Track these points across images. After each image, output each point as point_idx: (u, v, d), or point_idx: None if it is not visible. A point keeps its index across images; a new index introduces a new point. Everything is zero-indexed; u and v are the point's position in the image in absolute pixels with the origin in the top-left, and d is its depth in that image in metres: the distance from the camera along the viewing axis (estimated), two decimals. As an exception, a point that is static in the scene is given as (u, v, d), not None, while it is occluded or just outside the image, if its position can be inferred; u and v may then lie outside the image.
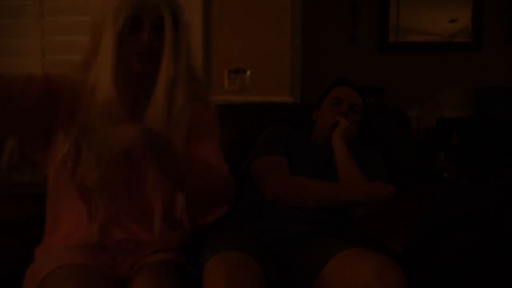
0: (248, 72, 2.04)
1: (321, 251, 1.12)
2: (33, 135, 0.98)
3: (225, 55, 2.06)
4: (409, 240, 1.08)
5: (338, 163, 1.35)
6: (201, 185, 0.98)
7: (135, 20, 0.94)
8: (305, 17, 2.41)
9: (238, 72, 2.05)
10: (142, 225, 1.05)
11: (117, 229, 1.04)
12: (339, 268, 1.03)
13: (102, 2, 0.96)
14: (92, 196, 0.99)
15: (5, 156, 0.94)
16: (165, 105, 0.97)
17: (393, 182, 1.34)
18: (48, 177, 1.05)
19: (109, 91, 0.93)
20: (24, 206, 1.30)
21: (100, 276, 0.94)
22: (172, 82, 0.97)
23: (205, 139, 1.07)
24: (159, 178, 0.99)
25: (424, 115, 3.21)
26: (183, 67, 1.00)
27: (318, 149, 1.43)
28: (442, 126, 3.10)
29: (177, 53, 0.99)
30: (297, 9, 2.20)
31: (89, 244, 1.01)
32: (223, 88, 2.06)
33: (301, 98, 2.36)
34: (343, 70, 3.37)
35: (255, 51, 2.04)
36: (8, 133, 0.94)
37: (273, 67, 2.03)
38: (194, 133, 1.03)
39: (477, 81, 3.35)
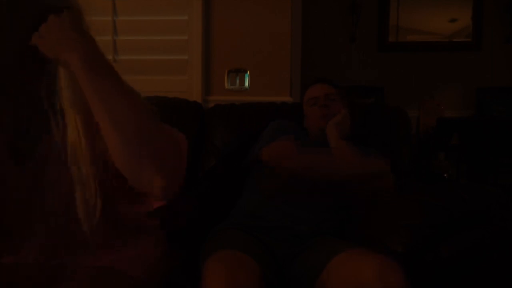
0: (248, 72, 2.04)
1: (321, 252, 1.11)
2: None
3: (225, 55, 2.06)
4: (409, 240, 1.08)
5: (331, 144, 1.38)
6: (137, 117, 0.68)
7: None
8: (304, 17, 2.41)
9: (238, 72, 2.05)
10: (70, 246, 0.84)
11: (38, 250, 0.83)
12: (340, 269, 1.02)
13: None
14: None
15: None
16: None
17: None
18: None
19: None
20: None
21: None
22: None
23: None
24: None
25: (424, 115, 3.20)
26: None
27: (320, 145, 1.43)
28: (442, 126, 3.09)
29: None
30: (297, 9, 2.20)
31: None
32: (223, 88, 2.06)
33: (301, 98, 2.36)
34: (343, 70, 3.37)
35: (255, 51, 2.04)
36: None
37: (273, 67, 2.03)
38: None
39: (477, 81, 3.35)
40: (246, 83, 2.04)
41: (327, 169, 1.29)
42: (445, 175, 2.94)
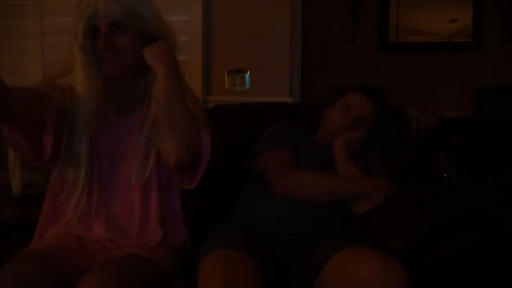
0: (248, 72, 2.04)
1: (322, 250, 1.11)
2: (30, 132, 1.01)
3: (225, 55, 2.06)
4: (409, 240, 1.08)
5: (337, 163, 1.35)
6: (186, 110, 1.06)
7: (94, 29, 1.05)
8: (305, 17, 2.41)
9: (238, 72, 2.05)
10: (121, 225, 1.11)
11: (98, 226, 1.10)
12: (341, 265, 1.02)
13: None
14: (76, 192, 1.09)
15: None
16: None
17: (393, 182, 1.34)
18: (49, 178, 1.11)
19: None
20: (24, 206, 1.30)
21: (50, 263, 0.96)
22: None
23: None
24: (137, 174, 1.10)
25: (424, 115, 3.21)
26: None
27: (322, 148, 1.42)
28: (442, 126, 3.09)
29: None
30: (297, 8, 2.20)
31: (68, 236, 1.08)
32: (223, 88, 2.06)
33: (301, 98, 2.36)
34: (343, 70, 3.38)
35: (255, 51, 2.04)
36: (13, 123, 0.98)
37: (273, 67, 2.03)
38: None
39: (477, 81, 3.35)
40: (246, 83, 2.04)
41: (326, 191, 1.28)
42: (445, 175, 2.94)
